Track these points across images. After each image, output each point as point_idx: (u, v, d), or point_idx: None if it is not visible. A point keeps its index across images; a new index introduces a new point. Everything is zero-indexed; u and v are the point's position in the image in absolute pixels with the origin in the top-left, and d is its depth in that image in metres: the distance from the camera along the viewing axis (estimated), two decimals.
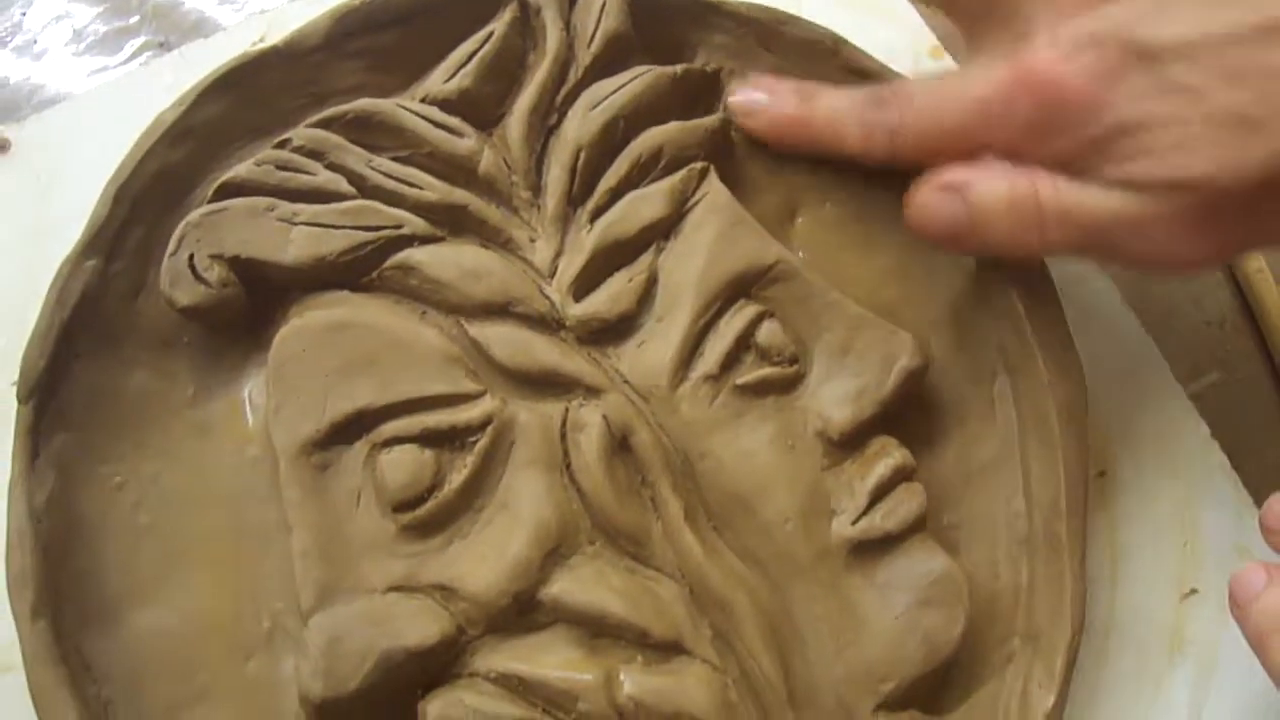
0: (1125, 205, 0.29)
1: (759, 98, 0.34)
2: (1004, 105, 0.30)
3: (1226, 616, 0.30)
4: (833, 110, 0.33)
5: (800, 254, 0.34)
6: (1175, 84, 0.28)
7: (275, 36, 0.35)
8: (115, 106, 0.36)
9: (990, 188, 0.30)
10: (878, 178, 0.34)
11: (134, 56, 0.39)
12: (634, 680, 0.29)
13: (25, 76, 0.38)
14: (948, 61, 0.38)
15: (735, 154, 0.34)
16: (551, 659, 0.29)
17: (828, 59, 0.34)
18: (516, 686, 0.29)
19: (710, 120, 0.33)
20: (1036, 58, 0.29)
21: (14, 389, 0.32)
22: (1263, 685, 0.31)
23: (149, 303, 0.32)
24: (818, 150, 0.34)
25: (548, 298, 0.31)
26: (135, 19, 0.39)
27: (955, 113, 0.31)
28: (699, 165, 0.33)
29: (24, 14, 0.39)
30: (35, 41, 0.39)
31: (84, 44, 0.39)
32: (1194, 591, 0.34)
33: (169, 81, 0.36)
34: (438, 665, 0.29)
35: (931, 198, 0.31)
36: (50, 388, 0.31)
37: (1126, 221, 0.29)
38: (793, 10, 0.35)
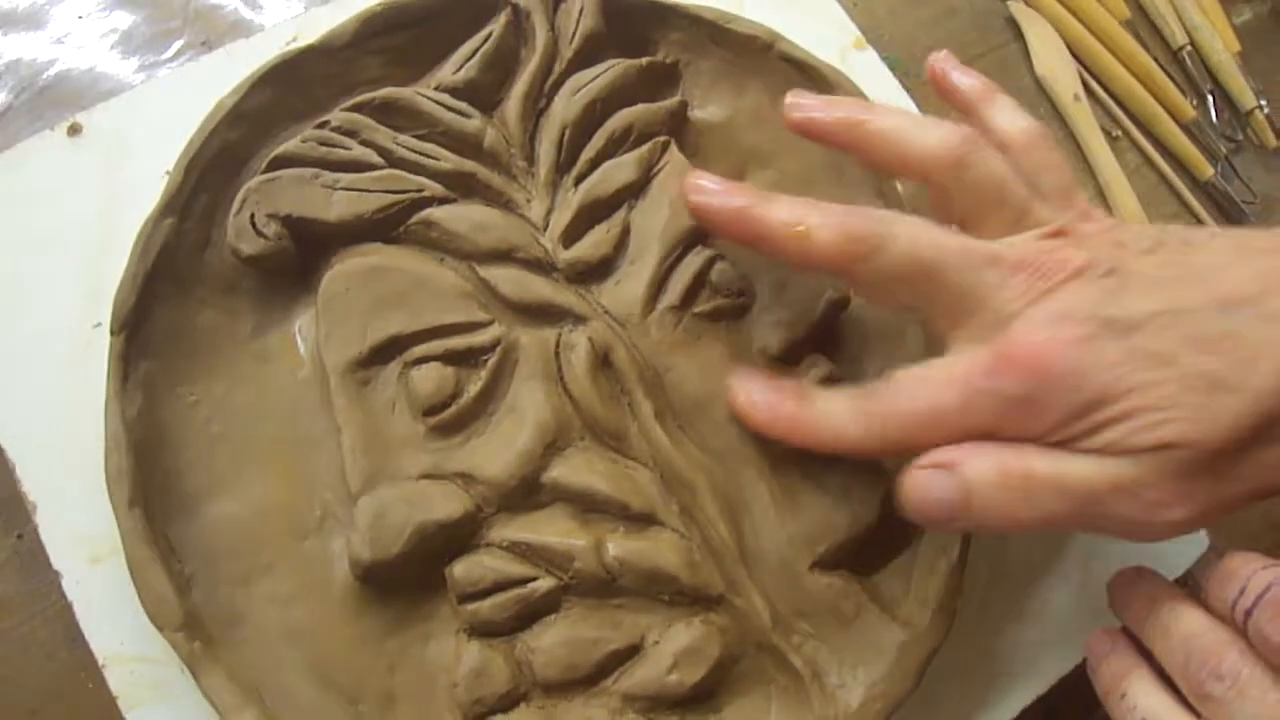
0: (1112, 471, 0.31)
1: (759, 400, 0.37)
2: (990, 384, 0.31)
3: None
4: (828, 408, 0.35)
5: None
6: (1148, 352, 0.30)
7: (307, 37, 0.43)
8: (169, 96, 0.44)
9: (982, 464, 0.32)
10: (814, 148, 0.43)
11: (178, 55, 0.47)
12: (618, 544, 0.37)
13: (85, 69, 0.47)
14: (870, 53, 0.47)
15: (691, 130, 0.43)
16: (552, 529, 0.37)
17: (765, 51, 0.43)
18: (524, 551, 0.37)
19: (671, 103, 0.42)
20: (1016, 337, 0.31)
21: (95, 329, 0.41)
22: None
23: (214, 255, 0.40)
24: (817, 449, 0.36)
25: (542, 246, 0.40)
26: (177, 22, 0.47)
27: (943, 396, 0.32)
28: (662, 139, 0.41)
29: (80, 17, 0.47)
30: (89, 42, 0.47)
31: (133, 44, 0.47)
32: None
33: (214, 75, 0.43)
34: (461, 537, 0.37)
35: (923, 477, 0.33)
36: (136, 323, 0.38)
37: (1115, 487, 0.31)
38: (735, 10, 0.44)
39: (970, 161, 0.34)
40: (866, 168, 0.37)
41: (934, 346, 0.38)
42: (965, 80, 0.38)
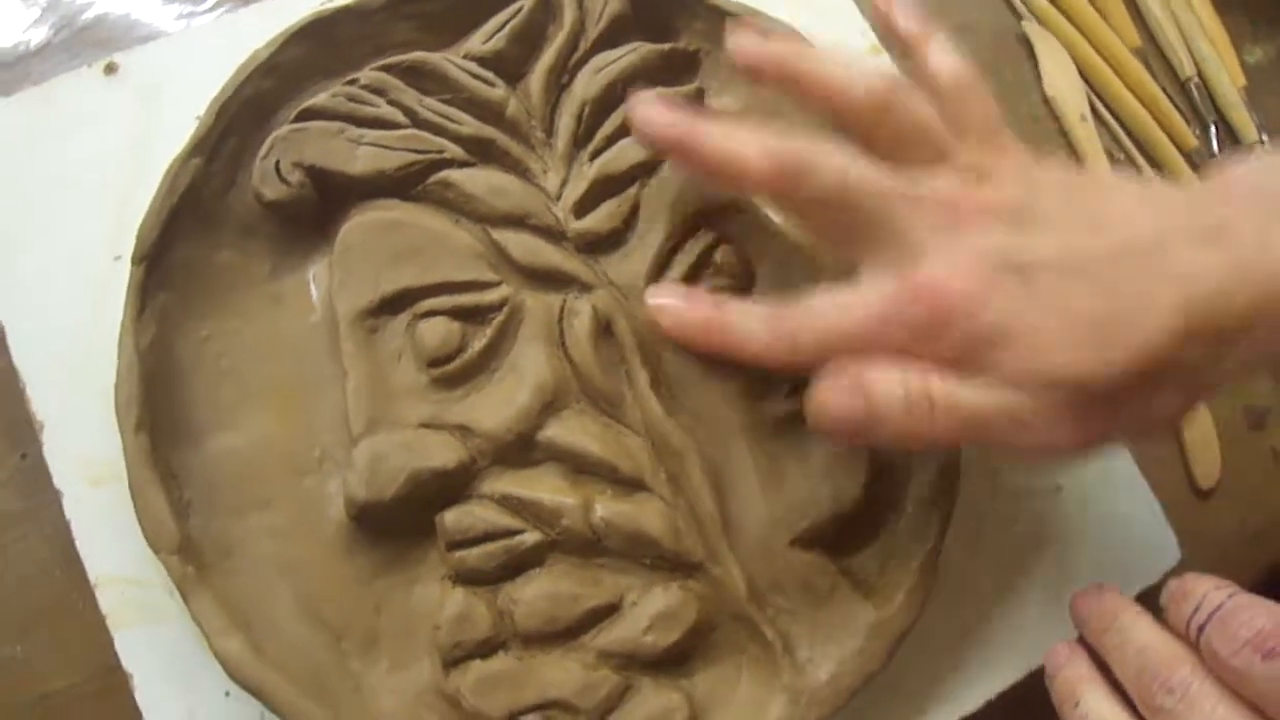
0: (1005, 400, 0.33)
1: (675, 303, 0.39)
2: (896, 311, 0.34)
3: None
4: (741, 316, 0.38)
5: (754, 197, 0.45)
6: (1044, 291, 0.33)
7: None
8: (205, 45, 0.46)
9: (888, 386, 0.34)
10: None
11: (216, 7, 0.49)
12: (605, 505, 0.39)
13: (124, 13, 0.48)
14: (885, 59, 0.49)
15: None
16: (543, 486, 0.39)
17: None
18: (515, 505, 0.39)
19: (688, 88, 0.44)
20: (924, 270, 0.33)
21: (115, 261, 0.42)
22: None
23: (237, 198, 0.42)
24: (726, 352, 0.38)
25: (555, 214, 0.41)
26: None
27: (853, 320, 0.35)
28: None
29: None
30: None
31: None
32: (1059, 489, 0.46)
33: (250, 29, 0.45)
34: (454, 486, 0.39)
35: (832, 395, 0.34)
36: (157, 256, 0.40)
37: (1007, 415, 0.33)
38: (758, 6, 0.46)
39: (892, 104, 0.36)
40: (803, 108, 0.38)
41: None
42: (904, 21, 0.40)
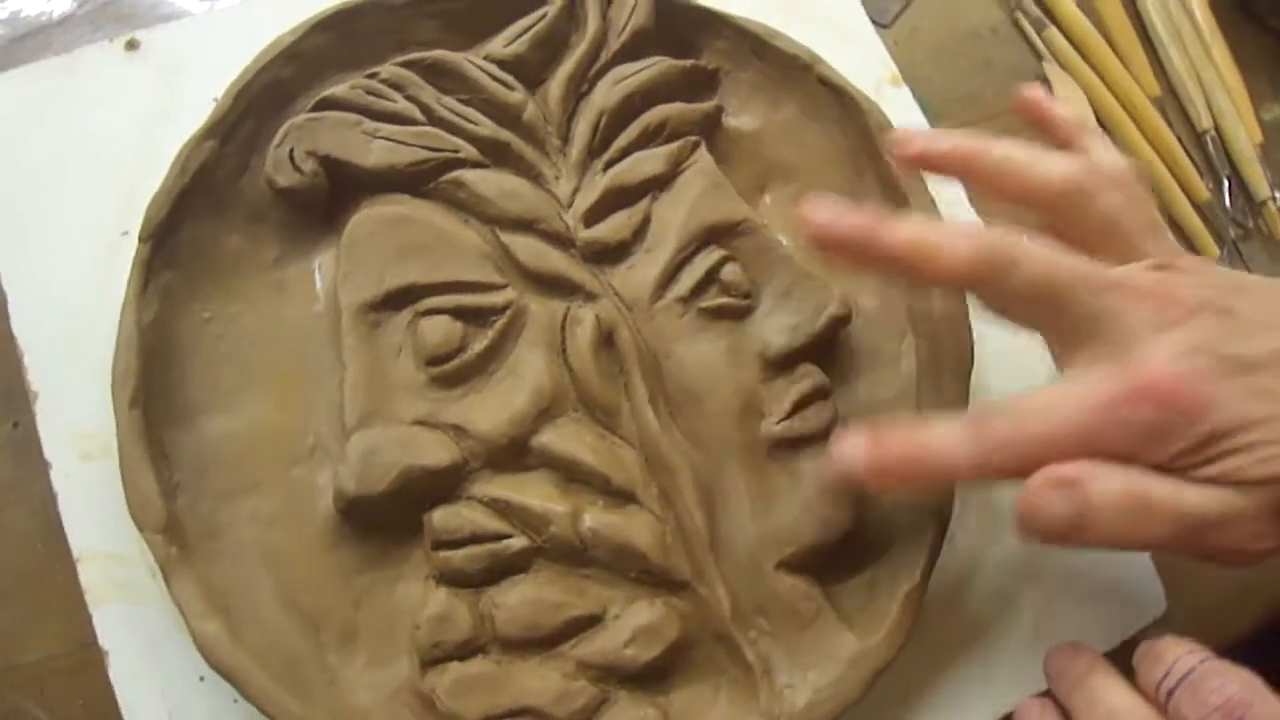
0: (1224, 501, 0.32)
1: (861, 443, 0.35)
2: (1124, 413, 0.32)
3: None
4: (940, 434, 0.34)
5: (765, 220, 0.45)
6: (1267, 389, 0.32)
7: None
8: (228, 28, 0.46)
9: (1106, 486, 0.32)
10: (837, 170, 0.45)
11: None
12: (594, 516, 0.39)
13: None
14: (904, 90, 0.49)
15: (723, 135, 0.45)
16: (533, 492, 0.39)
17: (804, 72, 0.45)
18: (503, 509, 0.39)
19: (706, 105, 0.44)
20: (1151, 368, 0.32)
21: (123, 237, 0.42)
22: None
23: (249, 183, 0.42)
24: (929, 478, 0.35)
25: (565, 221, 0.42)
26: None
27: (1073, 422, 0.32)
28: (693, 139, 0.43)
29: None
30: None
31: None
32: None
33: (273, 16, 0.44)
34: (444, 486, 0.39)
35: (1047, 495, 0.32)
36: (164, 235, 0.40)
37: (1224, 516, 0.32)
38: (781, 28, 0.46)
39: (1092, 193, 0.36)
40: (987, 197, 0.39)
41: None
42: (1063, 112, 0.40)
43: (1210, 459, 0.32)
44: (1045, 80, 0.53)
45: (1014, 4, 0.55)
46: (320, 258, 0.42)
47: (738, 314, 0.42)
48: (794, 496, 0.40)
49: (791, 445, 0.41)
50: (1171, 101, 0.55)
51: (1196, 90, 0.55)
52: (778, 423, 0.41)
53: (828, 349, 0.43)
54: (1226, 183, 0.54)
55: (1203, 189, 0.53)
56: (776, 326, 0.42)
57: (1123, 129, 0.53)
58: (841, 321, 0.42)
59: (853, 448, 0.35)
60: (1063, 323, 0.35)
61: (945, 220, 0.36)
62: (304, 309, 0.42)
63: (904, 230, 0.35)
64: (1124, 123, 0.53)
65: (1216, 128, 0.55)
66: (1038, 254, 0.34)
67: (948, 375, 0.43)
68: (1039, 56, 0.54)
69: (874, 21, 0.50)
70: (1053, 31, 0.54)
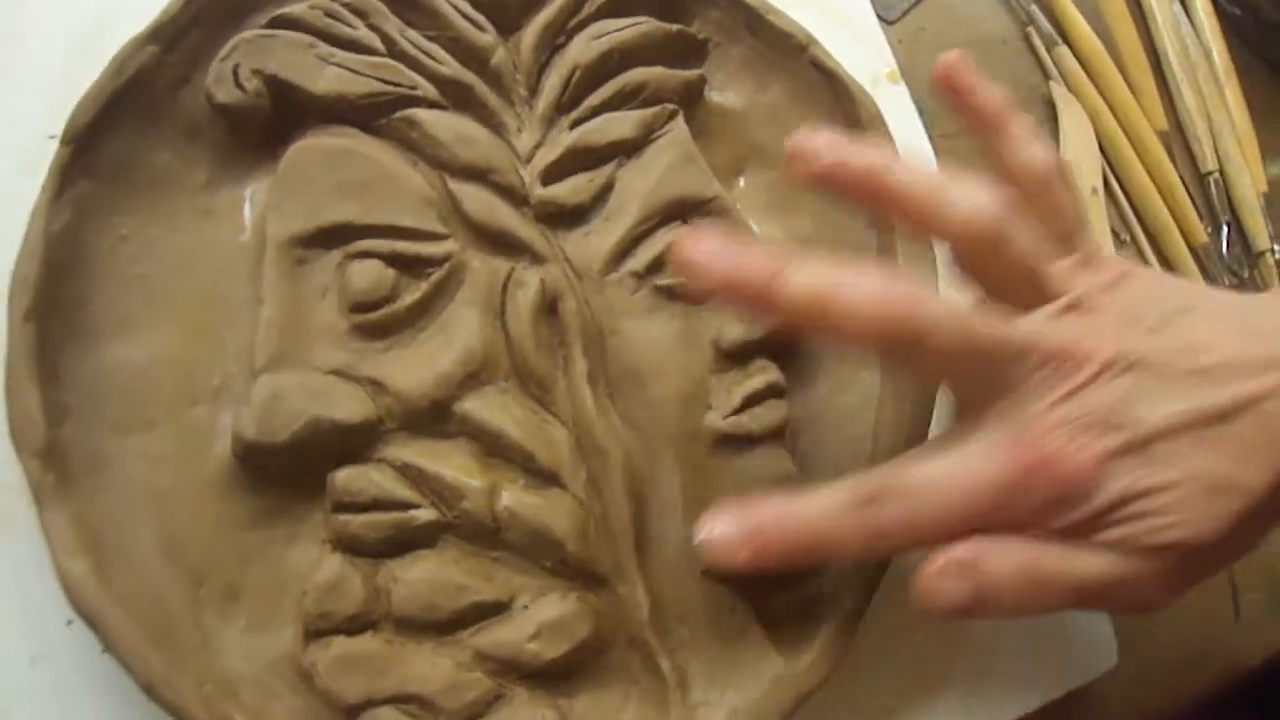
0: (1117, 567, 0.31)
1: (729, 526, 0.31)
2: (1017, 493, 0.30)
3: None
4: (822, 516, 0.31)
5: (738, 206, 0.40)
6: (1162, 457, 0.31)
7: None
8: None
9: (1000, 566, 0.31)
10: None
11: None
12: (513, 495, 0.34)
13: None
14: (901, 88, 0.44)
15: (704, 110, 0.40)
16: (449, 462, 0.34)
17: (797, 52, 0.40)
18: (415, 476, 0.34)
19: (689, 75, 0.39)
20: (1043, 440, 0.30)
21: (50, 140, 0.37)
22: None
23: (188, 96, 0.37)
24: (807, 562, 0.34)
25: (521, 176, 0.37)
26: None
27: (965, 505, 0.31)
28: (670, 107, 0.39)
29: None
30: None
31: None
32: None
33: None
34: (353, 444, 0.34)
35: (943, 581, 0.31)
36: (89, 140, 0.35)
37: (1120, 580, 0.31)
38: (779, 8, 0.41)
39: (1008, 238, 0.32)
40: (881, 224, 0.34)
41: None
42: (986, 95, 0.35)
43: (1106, 526, 0.31)
44: (1050, 101, 0.49)
45: (1026, 17, 0.50)
46: (253, 186, 0.37)
47: (695, 296, 0.37)
48: (734, 497, 0.36)
49: (736, 443, 0.36)
50: (1178, 139, 0.51)
51: (1205, 131, 0.51)
52: (724, 417, 0.36)
53: (788, 345, 0.38)
54: (1226, 229, 0.50)
55: (1201, 231, 0.49)
56: (735, 314, 0.37)
57: (1125, 160, 0.49)
58: None
59: (725, 529, 0.32)
60: (966, 386, 0.33)
61: (846, 267, 0.30)
62: (229, 238, 0.37)
63: (801, 282, 0.30)
64: (1127, 154, 0.49)
65: (1221, 171, 0.50)
66: (949, 324, 0.31)
67: (912, 386, 0.38)
68: (1046, 75, 0.50)
69: (879, 16, 0.46)
70: (1063, 51, 0.49)
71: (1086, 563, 0.31)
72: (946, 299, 0.31)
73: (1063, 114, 0.48)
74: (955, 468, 0.31)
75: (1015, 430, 0.31)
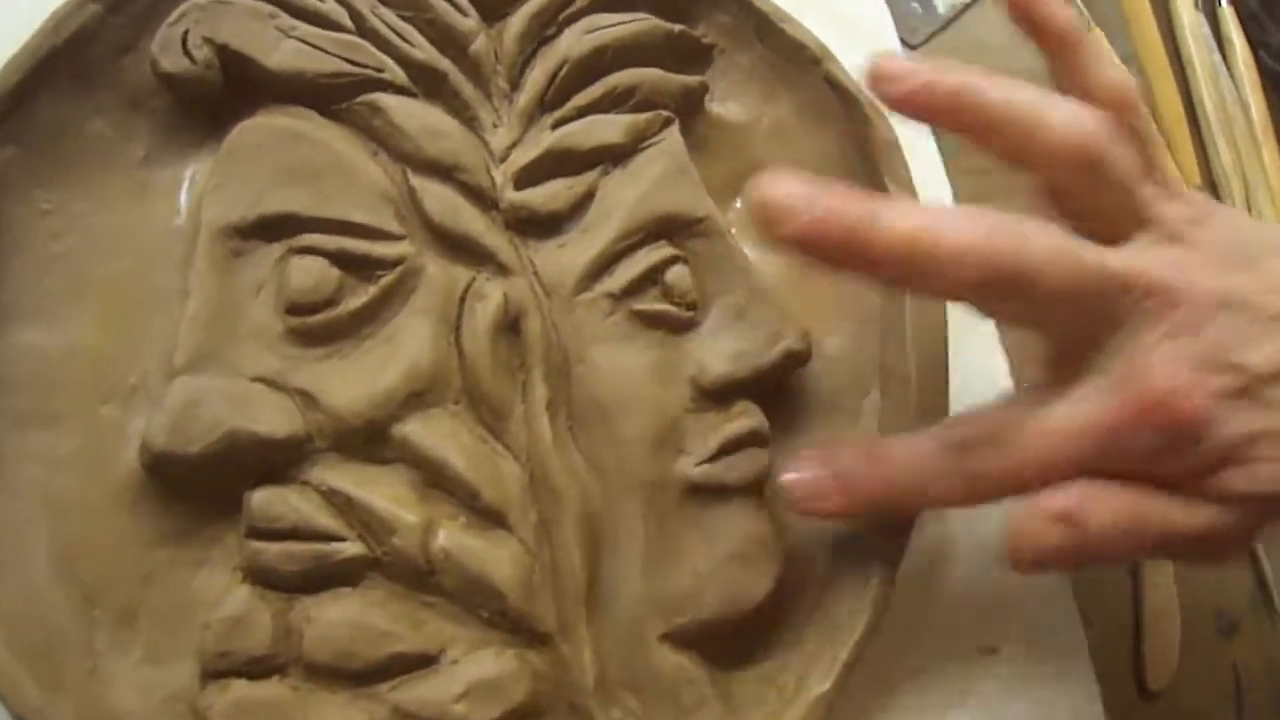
0: (1218, 518, 0.28)
1: (816, 471, 0.30)
2: (1129, 434, 0.27)
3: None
4: (913, 462, 0.29)
5: (733, 230, 0.35)
6: (1271, 404, 0.28)
7: None
8: None
9: (1103, 517, 0.28)
10: (818, 175, 0.35)
11: None
12: (451, 534, 0.29)
13: None
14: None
15: (703, 121, 0.35)
16: (383, 491, 0.29)
17: (810, 65, 0.35)
18: (342, 504, 0.29)
19: (689, 80, 0.34)
20: (1155, 385, 0.27)
21: None
22: None
23: (132, 63, 0.32)
24: (900, 511, 0.32)
25: (492, 177, 0.32)
26: None
27: (1071, 448, 0.28)
28: (665, 114, 0.33)
29: None
30: None
31: None
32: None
33: None
34: (277, 463, 0.29)
35: (1044, 528, 0.28)
36: (17, 104, 0.30)
37: (1213, 530, 0.29)
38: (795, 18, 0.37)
39: (1107, 159, 0.28)
40: (977, 149, 0.29)
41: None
42: (1059, 11, 0.31)
43: (1211, 475, 0.28)
44: None
45: None
46: (195, 166, 0.32)
47: (676, 326, 0.32)
48: (699, 556, 0.30)
49: (709, 494, 0.31)
50: (1211, 196, 0.46)
51: (1239, 189, 0.46)
52: (698, 464, 0.31)
53: (775, 389, 0.33)
54: None
55: None
56: (719, 350, 0.32)
57: None
58: (797, 359, 0.32)
59: (815, 472, 0.29)
60: (1068, 330, 0.29)
61: (943, 210, 0.28)
62: (162, 221, 0.32)
63: (900, 227, 0.26)
64: None
65: None
66: (1061, 261, 0.27)
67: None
68: None
69: (901, 39, 0.41)
70: None
71: (1186, 514, 0.28)
72: (1050, 233, 0.27)
73: None
74: (1065, 411, 0.28)
75: (1124, 370, 0.28)
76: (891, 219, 0.26)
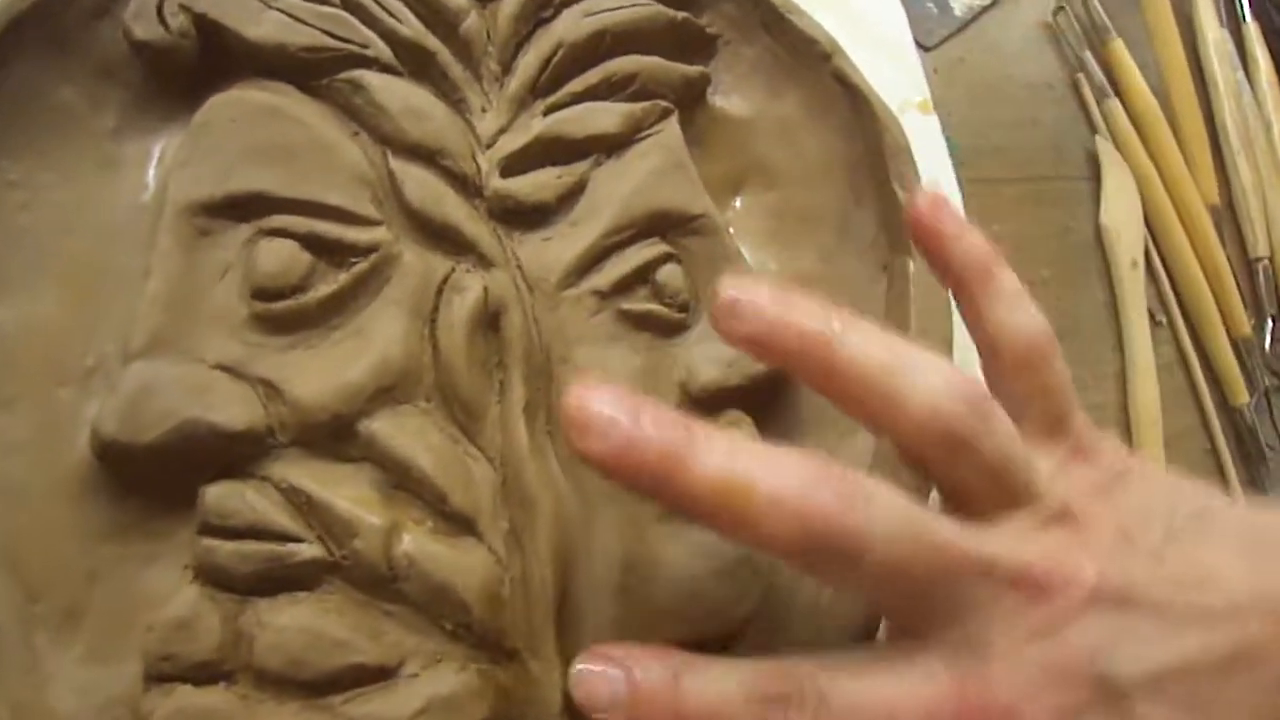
0: None
1: (608, 670, 0.23)
2: None
3: None
4: (715, 700, 0.23)
5: (730, 230, 0.33)
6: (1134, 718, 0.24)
7: None
8: None
9: None
10: (830, 188, 0.33)
11: None
12: (415, 539, 0.26)
13: None
14: (933, 121, 0.37)
15: (704, 114, 0.33)
16: (345, 491, 0.26)
17: (820, 61, 0.33)
18: (302, 504, 0.26)
19: (691, 70, 0.32)
20: (994, 686, 0.23)
21: None
22: None
23: (106, 29, 0.30)
24: None
25: (477, 163, 0.29)
26: None
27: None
28: (664, 104, 0.31)
29: None
30: None
31: None
32: None
33: None
34: (235, 457, 0.26)
35: None
36: None
37: None
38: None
39: (973, 441, 0.24)
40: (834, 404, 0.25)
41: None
42: (966, 241, 0.27)
43: None
44: (1093, 158, 0.42)
45: (1077, 63, 0.43)
46: (166, 140, 0.30)
47: (666, 329, 0.30)
48: (681, 573, 0.28)
49: None
50: (1229, 217, 0.43)
51: (1259, 212, 0.43)
52: None
53: (768, 399, 0.30)
54: (1271, 322, 0.42)
55: (1244, 324, 0.41)
56: (710, 355, 0.30)
57: (1170, 233, 0.42)
58: None
59: (600, 666, 0.23)
60: (910, 608, 0.24)
61: (767, 451, 0.22)
62: (130, 196, 0.29)
63: (712, 467, 0.22)
64: (1173, 227, 0.42)
65: (1271, 259, 0.43)
66: (895, 533, 0.22)
67: (911, 470, 0.31)
68: (1093, 129, 0.42)
69: (916, 41, 0.39)
70: (1115, 105, 0.42)
71: None
72: (891, 496, 0.22)
73: (1106, 174, 0.41)
74: (887, 686, 0.23)
75: (969, 664, 0.23)
76: (705, 458, 0.22)
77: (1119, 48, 0.43)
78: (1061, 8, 0.43)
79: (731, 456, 0.22)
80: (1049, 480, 0.25)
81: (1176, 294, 0.42)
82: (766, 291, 0.24)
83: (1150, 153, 0.42)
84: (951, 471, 0.24)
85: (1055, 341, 0.27)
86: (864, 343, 0.24)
